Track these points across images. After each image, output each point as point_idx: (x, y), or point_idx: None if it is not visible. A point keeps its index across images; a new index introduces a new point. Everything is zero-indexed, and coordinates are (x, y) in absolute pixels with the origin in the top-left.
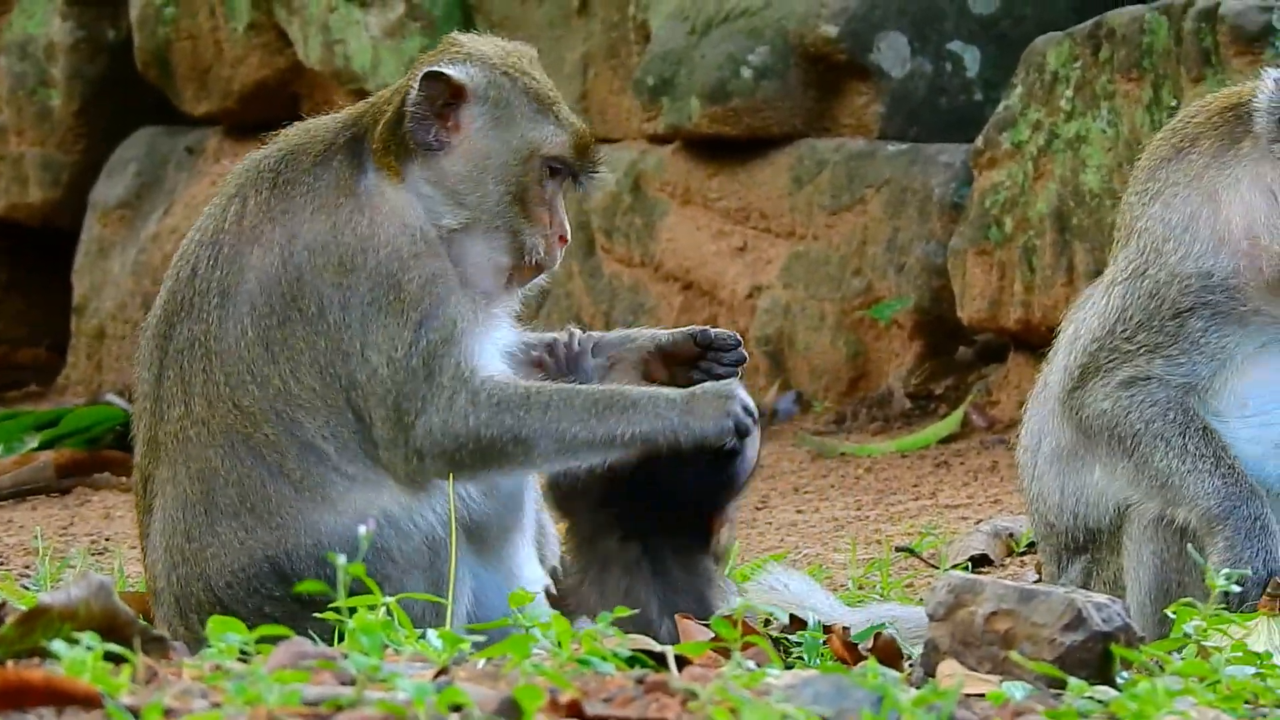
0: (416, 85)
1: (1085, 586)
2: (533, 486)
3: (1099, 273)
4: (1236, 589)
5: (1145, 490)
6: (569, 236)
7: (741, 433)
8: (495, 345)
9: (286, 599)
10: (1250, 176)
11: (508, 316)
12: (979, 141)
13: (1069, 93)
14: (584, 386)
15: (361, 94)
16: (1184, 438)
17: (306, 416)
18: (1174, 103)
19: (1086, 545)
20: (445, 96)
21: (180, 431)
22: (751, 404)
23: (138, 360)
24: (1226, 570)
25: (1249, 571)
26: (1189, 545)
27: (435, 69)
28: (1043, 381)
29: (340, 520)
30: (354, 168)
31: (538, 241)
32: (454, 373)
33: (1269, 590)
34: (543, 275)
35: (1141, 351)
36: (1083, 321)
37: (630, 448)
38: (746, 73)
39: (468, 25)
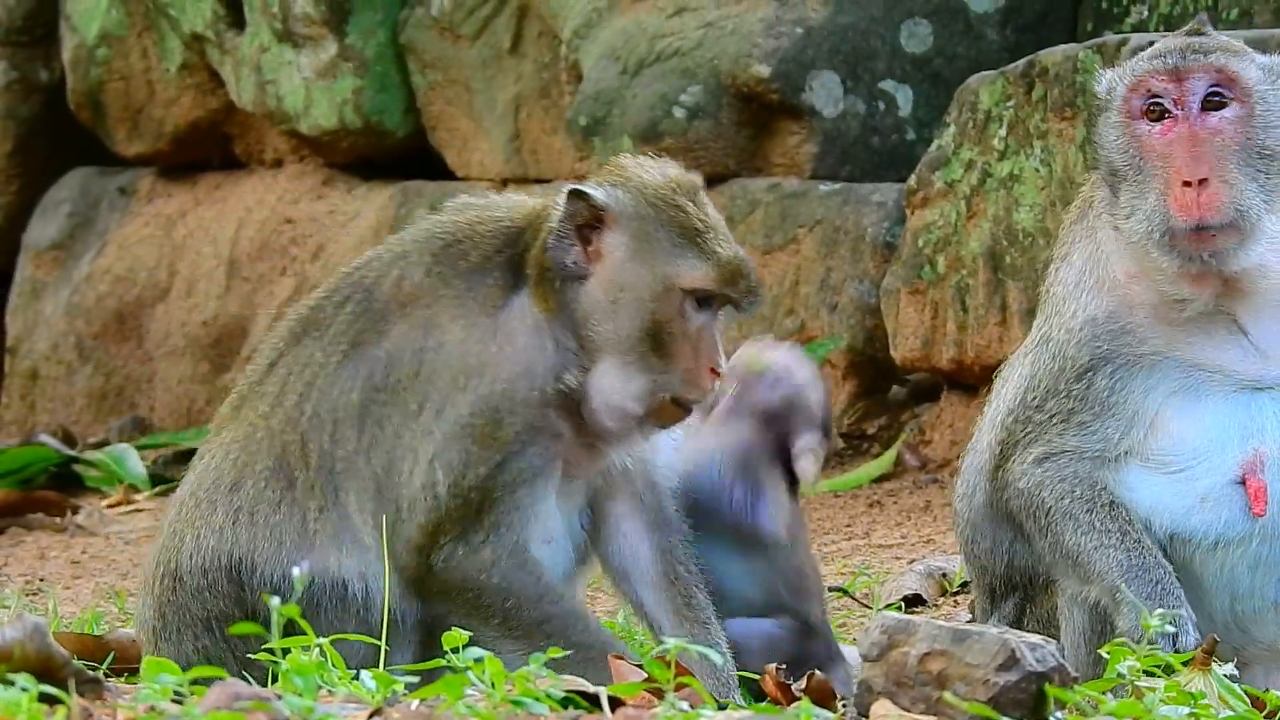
0: (562, 203)
1: (1018, 625)
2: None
3: (1032, 312)
4: (1171, 629)
5: (1060, 569)
6: (723, 369)
7: None
8: (549, 521)
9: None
10: (1129, 209)
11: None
12: (912, 181)
13: (1002, 132)
14: (582, 625)
15: (294, 134)
16: (1091, 514)
17: (354, 490)
18: (1094, 144)
19: (1020, 585)
20: (587, 218)
21: (253, 423)
22: None
23: (270, 332)
24: (1161, 611)
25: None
26: (1095, 589)
27: (580, 188)
28: (977, 434)
29: (327, 569)
30: (507, 287)
31: (673, 380)
32: (500, 523)
33: (1202, 648)
34: (692, 414)
35: (1055, 422)
36: (1000, 394)
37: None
38: (679, 112)
39: (400, 66)
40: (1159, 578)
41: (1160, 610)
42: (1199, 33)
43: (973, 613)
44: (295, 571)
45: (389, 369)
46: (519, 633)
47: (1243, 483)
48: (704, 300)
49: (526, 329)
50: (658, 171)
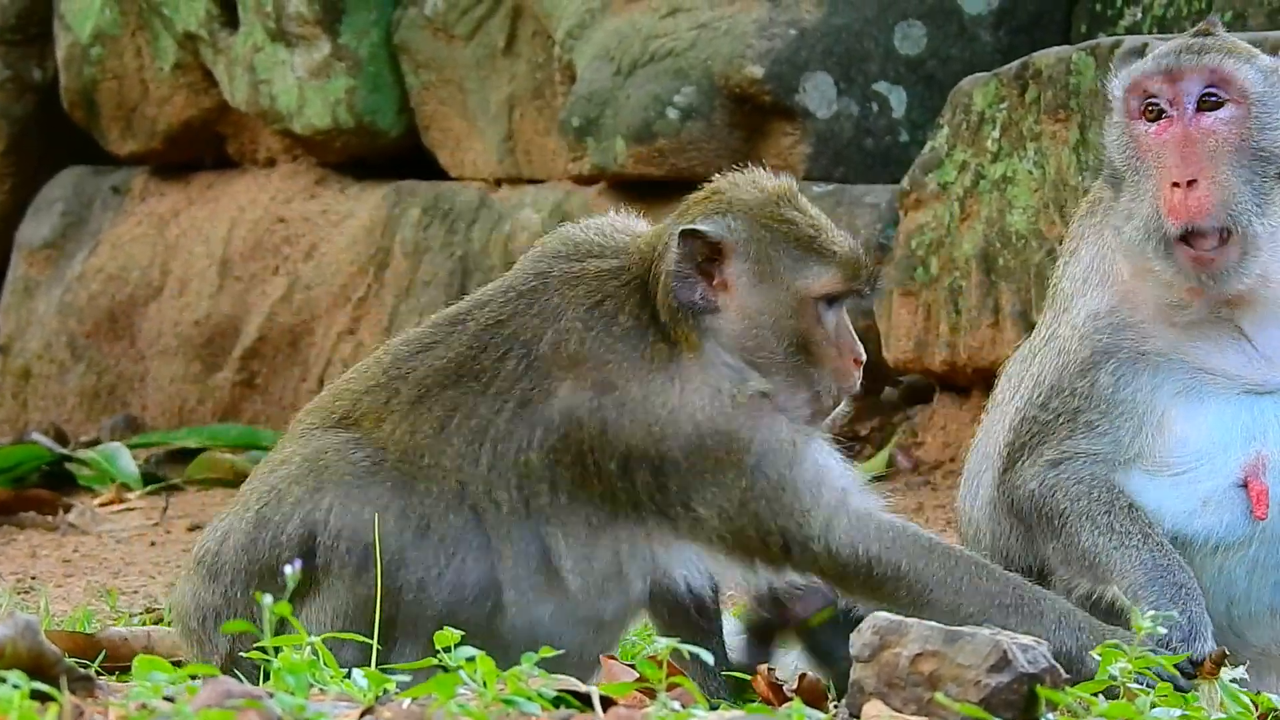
0: (675, 246)
1: None
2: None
3: (1025, 314)
4: (1163, 631)
5: (1076, 570)
6: (863, 356)
7: None
8: (854, 474)
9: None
10: (1127, 211)
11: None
12: (905, 182)
13: (995, 134)
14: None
15: (288, 134)
16: (1110, 515)
17: (556, 533)
18: (1101, 144)
19: None
20: (705, 254)
21: (414, 448)
22: None
23: (407, 343)
24: (1152, 612)
25: (1175, 621)
26: (1114, 588)
27: (691, 227)
28: (981, 433)
29: (492, 587)
30: (666, 343)
31: (829, 381)
32: (811, 509)
33: (1211, 657)
34: (845, 403)
35: (1062, 422)
36: (1006, 392)
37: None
38: (672, 114)
39: (394, 66)
40: (1183, 581)
41: (1179, 611)
42: (1207, 33)
43: None
44: (288, 569)
45: (565, 428)
46: (932, 596)
47: (1244, 486)
48: (834, 299)
49: (699, 371)
50: (755, 188)
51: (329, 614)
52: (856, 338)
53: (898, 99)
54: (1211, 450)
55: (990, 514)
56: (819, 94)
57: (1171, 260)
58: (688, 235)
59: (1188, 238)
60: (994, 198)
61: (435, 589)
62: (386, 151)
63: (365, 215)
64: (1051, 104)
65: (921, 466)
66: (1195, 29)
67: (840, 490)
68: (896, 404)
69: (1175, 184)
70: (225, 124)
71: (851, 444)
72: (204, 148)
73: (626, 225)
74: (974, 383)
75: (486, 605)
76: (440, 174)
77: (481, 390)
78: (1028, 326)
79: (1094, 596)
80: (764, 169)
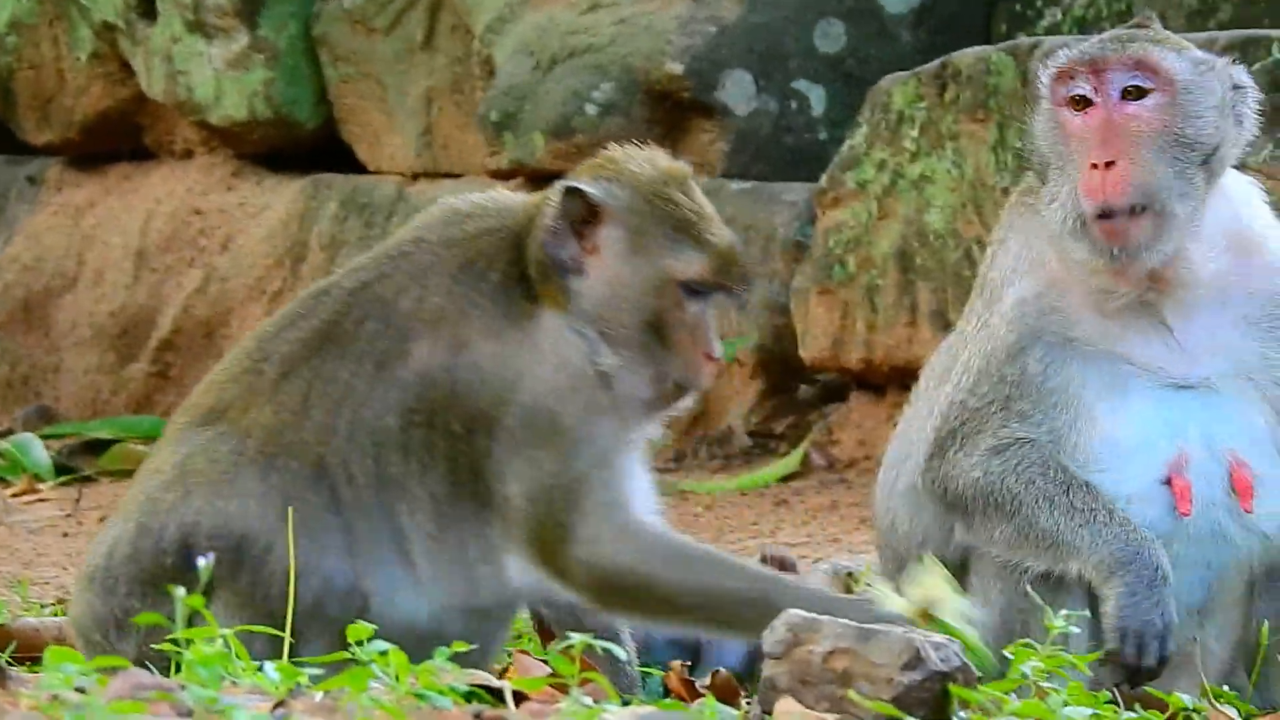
0: (556, 200)
1: None
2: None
3: (942, 313)
4: (1075, 630)
5: (1032, 551)
6: (718, 355)
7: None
8: (649, 489)
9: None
10: (1051, 196)
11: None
12: (823, 180)
13: (914, 133)
14: (741, 561)
15: (205, 125)
16: (1069, 495)
17: (407, 514)
18: (1019, 144)
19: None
20: (583, 214)
21: (273, 425)
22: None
23: (274, 322)
24: (1065, 612)
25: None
26: (1028, 587)
27: (574, 185)
28: (903, 423)
29: (352, 577)
30: (527, 299)
31: (675, 367)
32: (597, 511)
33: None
34: (689, 397)
35: (995, 410)
36: (930, 379)
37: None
38: (591, 109)
39: (312, 59)
40: (1157, 560)
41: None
42: (1141, 26)
43: None
44: (200, 562)
45: (422, 388)
46: (686, 602)
47: (1168, 483)
48: (698, 290)
49: (553, 332)
50: (649, 163)
51: (219, 613)
52: (717, 338)
53: (817, 97)
54: (1136, 447)
55: (910, 501)
56: (738, 91)
57: (1088, 239)
58: (569, 192)
59: (1105, 221)
60: (912, 197)
61: (303, 578)
62: (304, 144)
63: (282, 208)
64: (970, 104)
65: (836, 464)
66: (1131, 22)
67: (627, 507)
68: (812, 402)
69: (1094, 165)
70: (142, 115)
71: (766, 441)
72: (121, 138)
73: (517, 195)
74: (890, 381)
75: (353, 594)
76: (358, 167)
77: (341, 355)
78: (944, 326)
79: (1051, 576)
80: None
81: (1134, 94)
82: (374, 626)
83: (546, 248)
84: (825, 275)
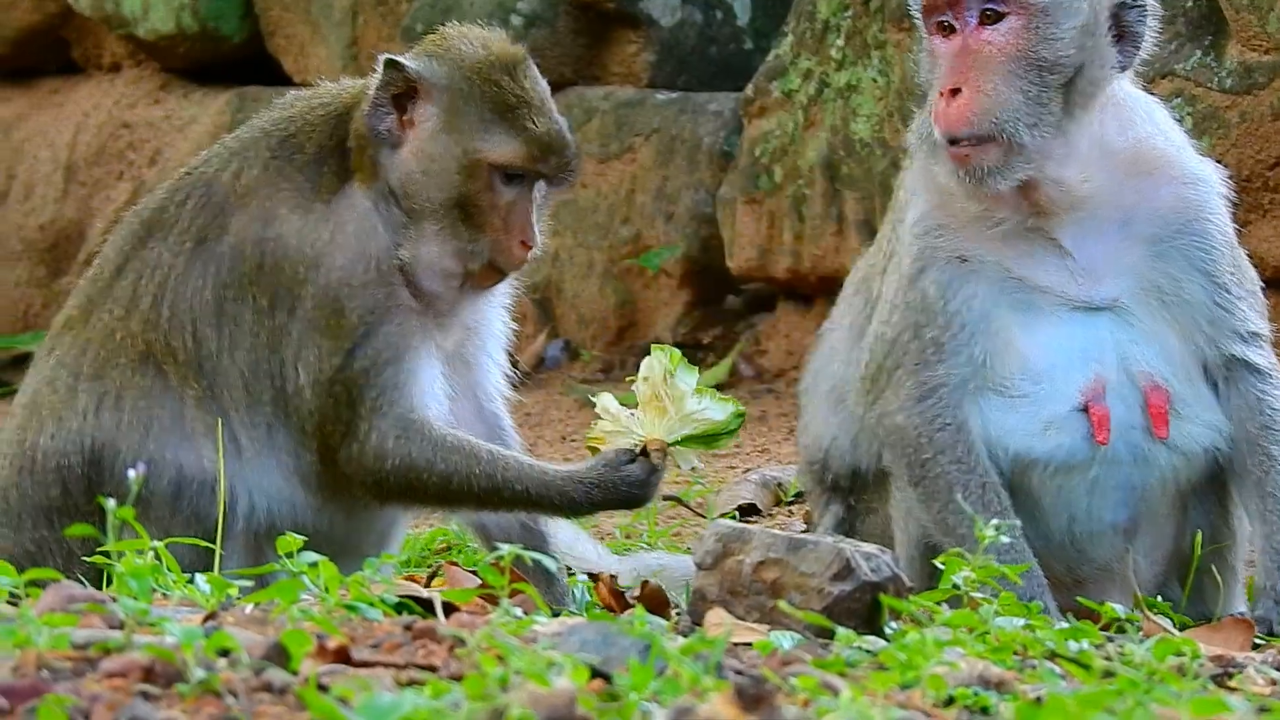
0: (379, 72)
1: (849, 529)
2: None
3: (868, 223)
4: (1005, 540)
5: (932, 521)
6: (535, 242)
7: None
8: (435, 383)
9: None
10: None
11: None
12: (749, 90)
13: (840, 42)
14: (509, 454)
15: (132, 39)
16: (984, 492)
17: (225, 390)
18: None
19: (853, 488)
20: (402, 88)
21: (110, 326)
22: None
23: (109, 239)
24: (996, 522)
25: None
26: (958, 497)
27: (395, 58)
28: (826, 329)
29: (199, 462)
30: (341, 174)
31: (483, 249)
32: (377, 408)
33: None
34: (505, 280)
35: (909, 340)
36: (854, 297)
37: (533, 508)
38: (516, 20)
39: None
40: (1033, 573)
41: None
42: None
43: (807, 523)
44: (131, 473)
45: (234, 261)
46: (460, 496)
47: (1085, 410)
48: (514, 175)
49: (357, 213)
50: (479, 44)
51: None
52: (535, 226)
53: (741, 6)
54: (1051, 373)
55: (828, 407)
56: (663, 1)
57: (944, 165)
58: (390, 65)
59: (953, 143)
60: (838, 106)
61: (153, 475)
62: (230, 57)
63: (209, 121)
64: (896, 12)
65: (765, 374)
66: None
67: (417, 404)
68: (740, 312)
69: (941, 93)
70: (69, 29)
71: (694, 352)
72: (48, 53)
73: (362, 80)
74: (818, 291)
75: (204, 486)
76: (284, 80)
77: (164, 238)
78: (871, 235)
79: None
80: (608, 77)
81: (990, 18)
82: (302, 539)
83: (367, 119)
84: (752, 185)
